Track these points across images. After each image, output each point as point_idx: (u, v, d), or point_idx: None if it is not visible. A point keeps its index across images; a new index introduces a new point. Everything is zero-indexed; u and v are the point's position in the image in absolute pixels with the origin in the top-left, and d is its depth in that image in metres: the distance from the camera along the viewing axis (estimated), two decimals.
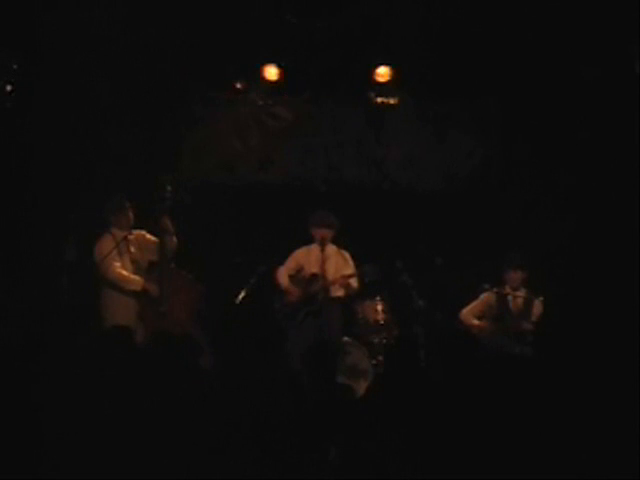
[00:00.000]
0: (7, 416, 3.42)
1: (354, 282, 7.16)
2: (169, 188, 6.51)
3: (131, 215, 6.64)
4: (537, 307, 6.84)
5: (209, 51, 7.62)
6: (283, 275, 7.20)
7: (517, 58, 7.74)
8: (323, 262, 7.11)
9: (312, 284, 7.11)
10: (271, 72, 8.04)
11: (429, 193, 8.45)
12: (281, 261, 7.29)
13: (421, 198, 8.41)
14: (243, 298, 7.09)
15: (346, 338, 7.00)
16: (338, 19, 7.54)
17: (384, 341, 7.19)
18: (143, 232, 6.75)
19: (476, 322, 6.91)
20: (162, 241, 6.55)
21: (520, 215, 8.12)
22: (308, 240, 7.29)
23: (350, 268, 7.17)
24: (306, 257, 7.22)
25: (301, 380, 4.34)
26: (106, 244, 6.54)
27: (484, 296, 6.98)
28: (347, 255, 7.22)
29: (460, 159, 8.47)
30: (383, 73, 8.09)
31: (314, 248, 7.20)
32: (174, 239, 6.60)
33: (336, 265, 7.16)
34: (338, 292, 7.17)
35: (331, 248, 7.19)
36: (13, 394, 3.55)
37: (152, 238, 6.72)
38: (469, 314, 6.98)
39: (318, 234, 7.16)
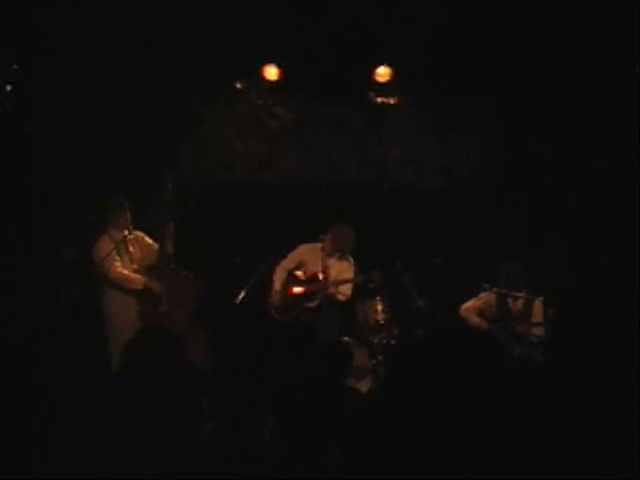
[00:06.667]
0: (7, 416, 3.42)
1: (348, 289, 7.16)
2: (170, 187, 6.51)
3: (129, 215, 6.65)
4: (537, 308, 6.84)
5: (209, 51, 7.62)
6: (279, 275, 7.19)
7: (517, 58, 7.74)
8: (325, 262, 7.11)
9: (312, 283, 7.12)
10: (271, 72, 8.04)
11: (429, 193, 8.45)
12: (281, 261, 7.30)
13: (421, 198, 8.41)
14: (243, 298, 7.09)
15: (346, 338, 7.00)
16: (338, 19, 7.54)
17: (384, 341, 7.19)
18: (142, 234, 6.76)
19: (476, 319, 6.91)
20: (163, 245, 6.55)
21: (520, 215, 8.13)
22: (308, 240, 7.29)
23: (350, 273, 7.17)
24: (310, 255, 7.22)
25: (304, 379, 4.35)
26: (105, 244, 6.56)
27: (484, 295, 6.98)
28: (351, 259, 7.22)
29: (460, 159, 8.48)
30: (383, 73, 8.09)
31: (319, 247, 7.20)
32: (171, 245, 6.60)
33: (339, 268, 7.17)
34: (334, 294, 7.17)
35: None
36: (13, 394, 3.55)
37: (150, 241, 6.73)
38: (469, 310, 6.98)
39: (330, 245, 7.14)
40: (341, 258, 7.20)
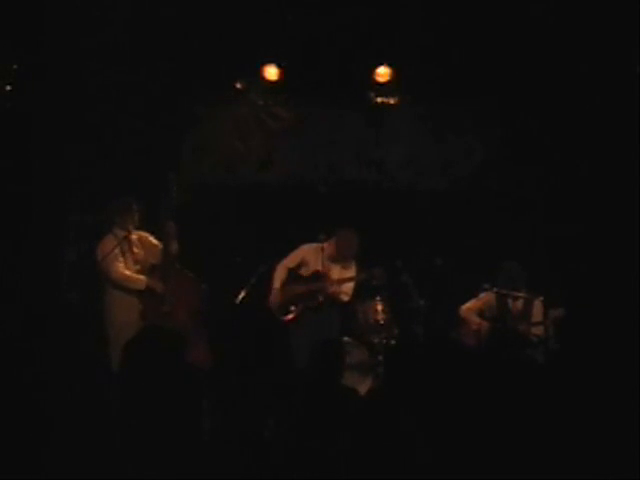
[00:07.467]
0: (7, 416, 3.43)
1: (350, 289, 7.15)
2: (175, 188, 6.51)
3: (136, 216, 6.65)
4: (537, 308, 6.84)
5: (209, 51, 7.62)
6: (279, 273, 7.17)
7: (517, 58, 7.74)
8: (326, 262, 7.11)
9: (313, 282, 7.12)
10: (271, 72, 8.04)
11: (429, 193, 8.45)
12: (282, 260, 7.29)
13: (421, 198, 8.41)
14: (243, 298, 7.09)
15: (346, 338, 7.00)
16: (338, 19, 7.54)
17: (384, 341, 7.19)
18: (146, 234, 6.76)
19: (477, 319, 6.92)
20: (166, 244, 6.55)
21: (520, 215, 8.13)
22: (308, 240, 7.29)
23: (352, 272, 7.17)
24: (312, 254, 7.20)
25: (303, 378, 4.35)
26: (109, 244, 6.56)
27: (484, 295, 6.98)
28: (352, 263, 7.21)
29: (460, 159, 8.48)
30: (383, 73, 8.09)
31: (320, 247, 7.20)
32: (175, 244, 6.60)
33: (341, 267, 7.17)
34: (336, 293, 7.16)
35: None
36: (14, 393, 3.56)
37: (154, 241, 6.73)
38: (469, 311, 7.00)
39: (335, 251, 7.13)
40: (344, 266, 7.18)
